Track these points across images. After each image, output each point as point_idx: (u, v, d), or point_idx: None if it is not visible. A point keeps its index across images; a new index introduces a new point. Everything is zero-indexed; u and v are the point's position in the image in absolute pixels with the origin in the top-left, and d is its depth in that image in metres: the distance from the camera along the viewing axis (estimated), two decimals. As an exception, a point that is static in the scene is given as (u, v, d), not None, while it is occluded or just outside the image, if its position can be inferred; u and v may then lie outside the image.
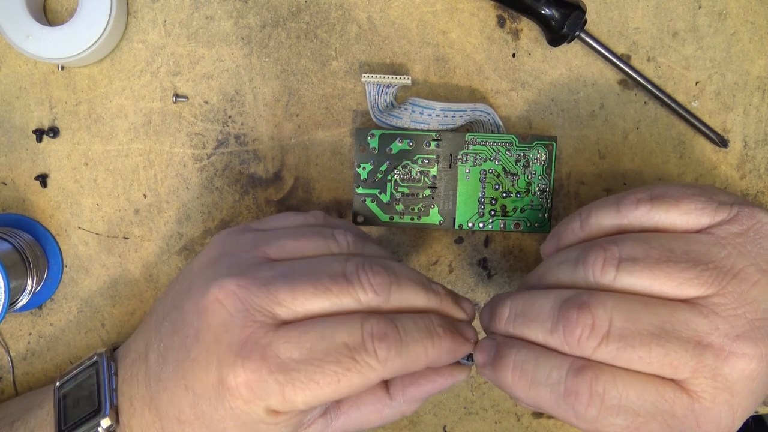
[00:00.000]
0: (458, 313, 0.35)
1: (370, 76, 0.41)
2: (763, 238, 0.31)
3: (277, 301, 0.31)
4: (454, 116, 0.42)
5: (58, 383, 0.38)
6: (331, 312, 0.31)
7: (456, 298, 0.35)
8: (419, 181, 0.42)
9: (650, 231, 0.32)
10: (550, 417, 0.45)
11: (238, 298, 0.31)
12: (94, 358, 0.37)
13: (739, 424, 0.29)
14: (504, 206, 0.42)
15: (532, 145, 0.42)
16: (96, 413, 0.35)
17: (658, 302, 0.29)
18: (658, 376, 0.29)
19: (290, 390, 0.29)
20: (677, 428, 0.29)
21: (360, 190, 0.42)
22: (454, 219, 0.42)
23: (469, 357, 0.35)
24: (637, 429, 0.29)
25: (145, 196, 0.44)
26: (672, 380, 0.29)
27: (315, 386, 0.30)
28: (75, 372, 0.38)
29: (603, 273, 0.30)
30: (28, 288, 0.42)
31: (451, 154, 0.42)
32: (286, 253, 0.33)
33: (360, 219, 0.42)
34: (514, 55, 0.43)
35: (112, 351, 0.38)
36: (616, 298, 0.29)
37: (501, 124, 0.42)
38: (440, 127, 0.42)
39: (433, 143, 0.42)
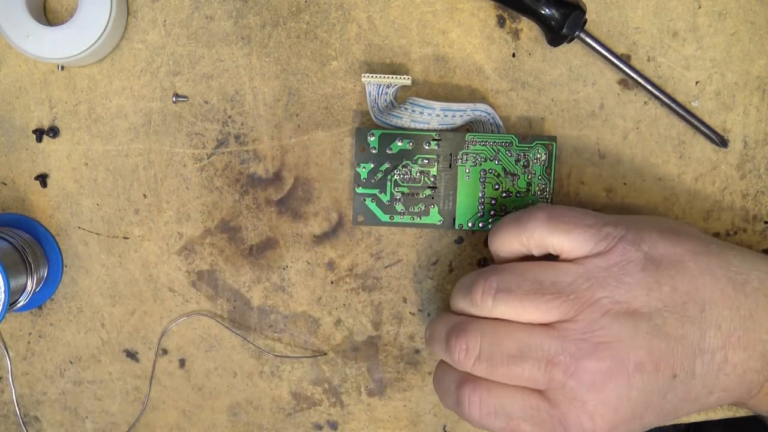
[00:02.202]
0: None
1: (370, 76, 0.41)
2: (625, 274, 0.35)
3: None
4: (454, 116, 0.42)
5: None
6: None
7: None
8: (419, 181, 0.42)
9: (547, 253, 0.37)
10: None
11: None
12: None
13: (603, 424, 0.34)
14: (504, 206, 0.42)
15: (532, 145, 0.42)
16: None
17: (520, 328, 0.35)
18: (527, 387, 0.35)
19: None
20: (547, 429, 0.35)
21: (360, 190, 0.42)
22: (454, 219, 0.42)
23: None
24: (513, 429, 0.35)
25: (145, 196, 0.44)
26: (538, 391, 0.35)
27: None
28: None
29: (482, 301, 0.36)
30: (28, 288, 0.42)
31: (451, 154, 0.42)
32: None
33: (360, 219, 0.42)
34: (514, 55, 0.43)
35: None
36: (486, 326, 0.36)
37: (501, 124, 0.42)
38: (440, 127, 0.42)
39: (433, 143, 0.42)
